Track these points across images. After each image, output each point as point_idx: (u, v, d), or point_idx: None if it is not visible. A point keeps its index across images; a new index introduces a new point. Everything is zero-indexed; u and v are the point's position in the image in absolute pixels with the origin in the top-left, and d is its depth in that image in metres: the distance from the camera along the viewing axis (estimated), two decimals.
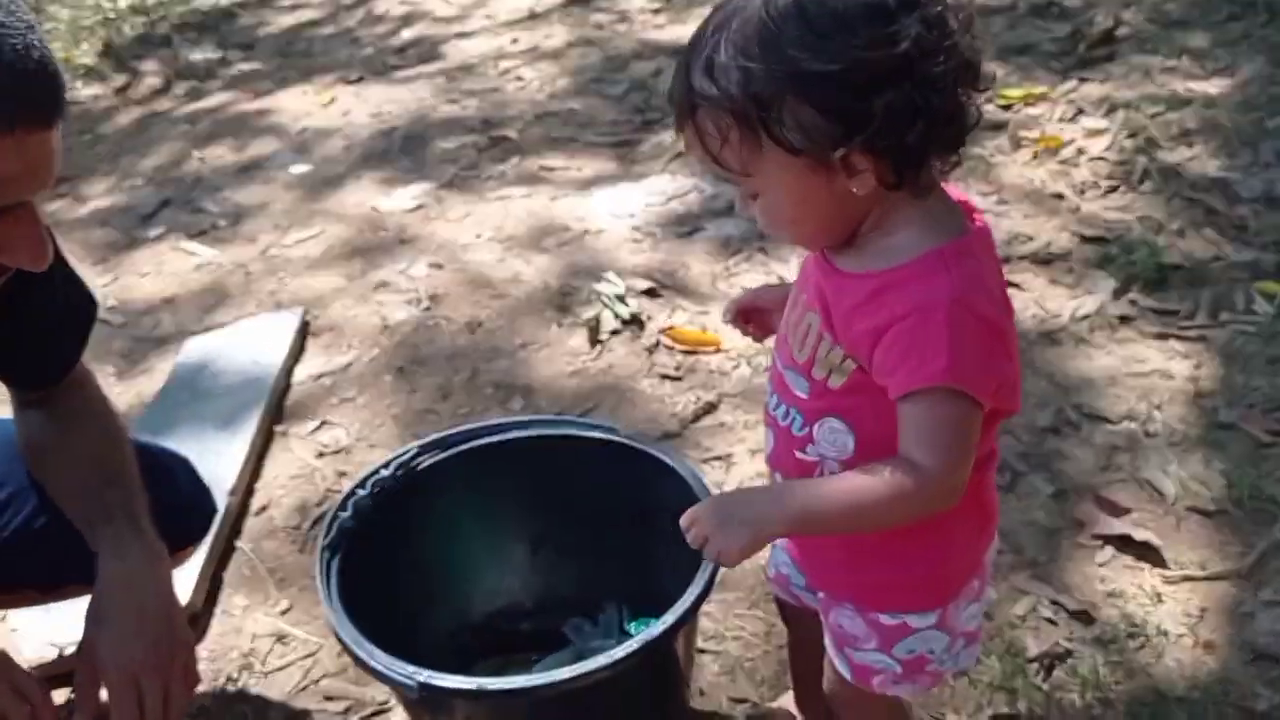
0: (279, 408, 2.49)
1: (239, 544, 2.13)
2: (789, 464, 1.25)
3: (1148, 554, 1.93)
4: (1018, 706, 1.71)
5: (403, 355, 2.62)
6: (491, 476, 1.68)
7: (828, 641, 1.38)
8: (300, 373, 2.60)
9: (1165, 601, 1.86)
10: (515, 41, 4.37)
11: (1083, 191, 2.99)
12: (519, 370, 2.51)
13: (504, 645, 1.77)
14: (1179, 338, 2.44)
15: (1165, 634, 1.80)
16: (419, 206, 3.25)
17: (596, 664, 1.29)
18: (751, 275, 2.74)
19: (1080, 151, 3.16)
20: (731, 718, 1.75)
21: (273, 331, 2.70)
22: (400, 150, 3.60)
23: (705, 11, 1.08)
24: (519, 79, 4.00)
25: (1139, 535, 1.95)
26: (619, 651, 1.30)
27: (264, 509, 2.22)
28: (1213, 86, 3.41)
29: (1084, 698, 1.71)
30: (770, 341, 1.34)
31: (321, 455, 2.35)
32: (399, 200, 3.29)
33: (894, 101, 0.99)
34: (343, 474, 2.29)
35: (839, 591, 1.32)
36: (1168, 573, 1.90)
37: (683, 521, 1.05)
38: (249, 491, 2.25)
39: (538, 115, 3.69)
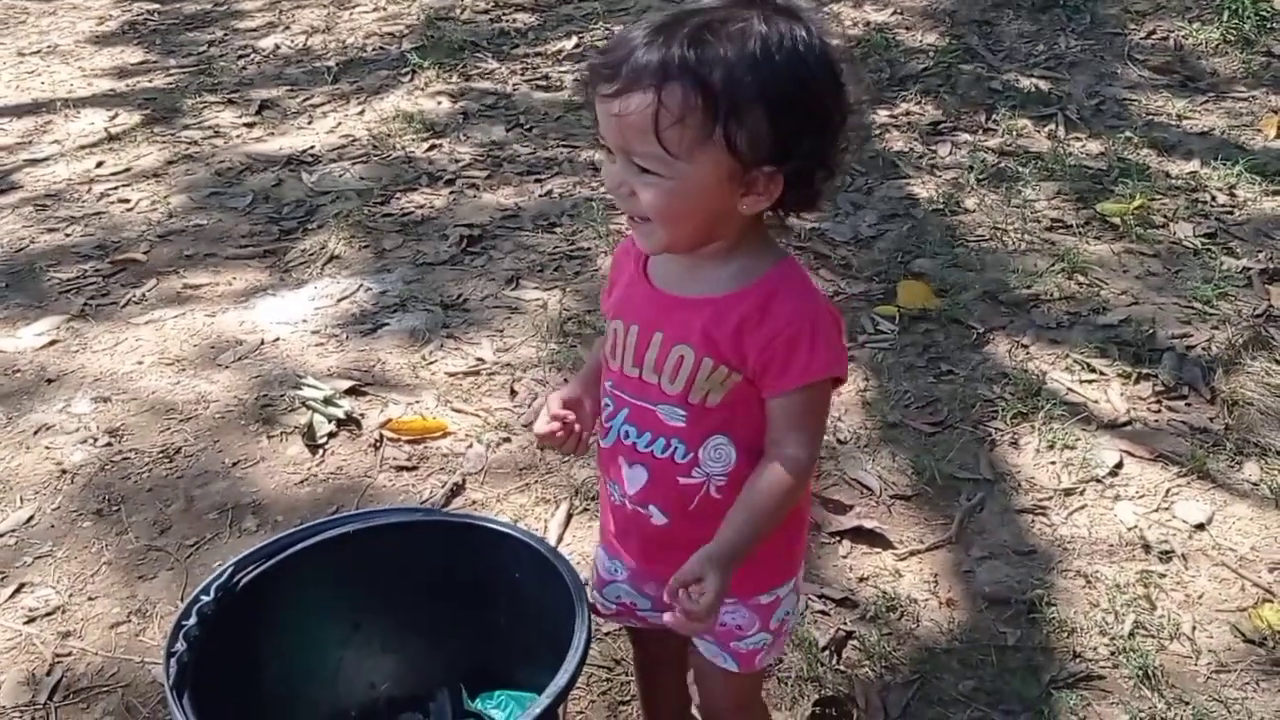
0: None
1: None
2: (668, 492, 1.36)
3: (877, 540, 2.23)
4: (826, 690, 1.91)
5: (95, 497, 2.37)
6: (313, 581, 1.62)
7: (706, 647, 1.48)
8: None
9: (904, 575, 2.15)
10: (101, 165, 4.08)
11: None
12: (240, 489, 2.37)
13: None
14: None
15: (915, 601, 2.09)
16: (52, 342, 2.95)
17: None
18: (449, 360, 2.79)
19: None
20: None
21: None
22: (7, 287, 3.24)
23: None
24: (124, 201, 3.74)
25: (867, 525, 2.25)
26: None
27: None
28: None
29: (875, 669, 1.94)
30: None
31: (32, 620, 2.08)
32: (25, 339, 2.97)
33: (818, 141, 1.20)
34: (67, 634, 2.04)
35: None
36: (898, 551, 2.20)
37: (672, 584, 1.19)
38: None
39: (161, 235, 3.49)
